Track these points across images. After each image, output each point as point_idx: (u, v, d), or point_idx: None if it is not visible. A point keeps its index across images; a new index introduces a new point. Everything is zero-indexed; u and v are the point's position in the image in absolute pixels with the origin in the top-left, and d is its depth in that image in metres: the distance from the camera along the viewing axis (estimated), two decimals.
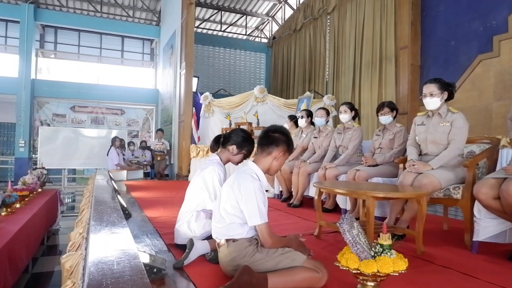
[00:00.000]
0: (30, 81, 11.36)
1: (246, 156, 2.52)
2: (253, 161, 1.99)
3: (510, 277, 2.00)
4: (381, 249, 1.60)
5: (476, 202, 2.45)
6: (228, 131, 2.64)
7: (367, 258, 1.58)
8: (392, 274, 1.55)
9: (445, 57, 6.43)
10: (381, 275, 1.56)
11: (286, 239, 1.97)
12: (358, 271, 1.58)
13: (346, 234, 1.64)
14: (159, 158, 9.66)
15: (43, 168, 5.85)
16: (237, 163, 2.56)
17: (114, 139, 9.30)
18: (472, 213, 2.51)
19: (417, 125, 3.10)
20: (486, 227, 2.43)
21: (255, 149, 2.17)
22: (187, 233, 2.38)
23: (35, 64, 11.89)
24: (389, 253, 1.58)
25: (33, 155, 11.33)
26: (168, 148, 10.04)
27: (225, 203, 1.90)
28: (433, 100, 2.90)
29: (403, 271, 1.57)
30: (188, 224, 2.39)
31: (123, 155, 9.46)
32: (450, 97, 2.94)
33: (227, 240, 1.87)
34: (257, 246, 1.83)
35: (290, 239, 1.99)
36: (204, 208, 2.41)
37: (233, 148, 2.47)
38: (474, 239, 2.48)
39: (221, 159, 2.51)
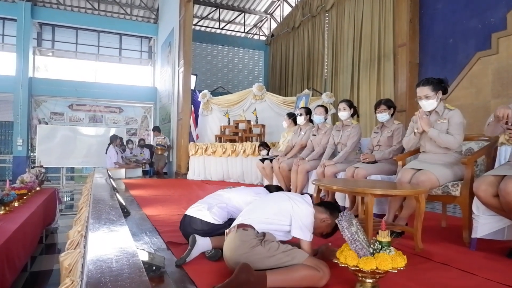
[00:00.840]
0: (27, 80, 11.32)
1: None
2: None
3: (508, 274, 2.00)
4: (380, 246, 1.61)
5: (475, 199, 2.45)
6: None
7: (366, 255, 1.58)
8: (390, 271, 1.55)
9: (444, 55, 6.43)
10: (379, 272, 1.56)
11: (319, 254, 2.06)
12: (357, 268, 1.58)
13: (345, 231, 1.65)
14: (159, 152, 9.54)
15: (41, 166, 5.83)
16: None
17: (114, 138, 9.28)
18: (471, 210, 2.52)
19: (416, 123, 3.09)
20: (485, 224, 2.43)
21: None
22: (203, 212, 2.41)
23: (32, 62, 11.86)
24: (387, 250, 1.59)
25: (31, 154, 11.31)
26: (169, 143, 9.99)
27: (271, 206, 2.07)
28: (429, 102, 2.89)
29: (401, 268, 1.57)
30: (211, 203, 2.47)
31: (122, 153, 9.45)
32: (444, 92, 2.93)
33: (238, 226, 1.92)
34: (262, 241, 1.83)
35: (322, 252, 2.07)
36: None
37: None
38: (473, 236, 2.48)
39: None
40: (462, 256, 2.36)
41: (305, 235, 1.96)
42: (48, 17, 12.20)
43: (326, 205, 2.17)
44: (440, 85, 2.90)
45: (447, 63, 6.34)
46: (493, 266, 2.16)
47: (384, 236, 1.63)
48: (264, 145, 6.18)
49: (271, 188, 2.78)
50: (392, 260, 1.56)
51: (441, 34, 6.50)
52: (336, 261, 1.68)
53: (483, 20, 5.79)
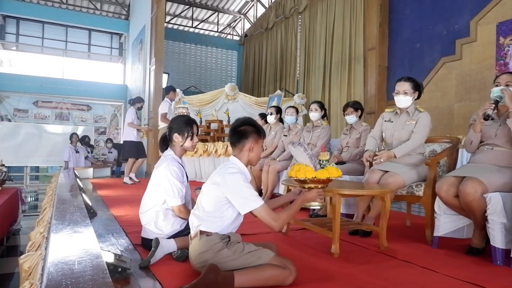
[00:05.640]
0: None
1: (192, 138, 2.48)
2: (234, 156, 2.02)
3: (466, 270, 2.09)
4: (324, 163, 2.17)
5: (437, 199, 2.54)
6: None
7: (319, 169, 2.10)
8: (334, 178, 2.15)
9: (411, 59, 6.65)
10: (331, 178, 2.13)
11: (292, 195, 2.21)
12: (314, 178, 2.07)
13: (307, 151, 2.10)
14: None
15: (3, 165, 5.56)
16: (192, 148, 2.53)
17: (70, 136, 9.24)
18: (433, 209, 2.61)
19: (385, 121, 3.16)
20: (446, 223, 2.53)
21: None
22: (154, 231, 2.33)
23: None
24: (328, 164, 2.18)
25: None
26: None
27: (205, 200, 1.92)
28: (406, 99, 2.96)
29: (339, 178, 2.25)
30: (155, 224, 2.33)
31: (88, 153, 9.26)
32: (418, 96, 3.02)
33: (201, 233, 1.86)
34: (227, 244, 1.83)
35: (295, 194, 2.21)
36: (167, 206, 2.36)
37: (176, 136, 2.43)
38: (435, 234, 2.57)
39: (175, 153, 2.47)
40: (424, 253, 2.45)
41: (251, 205, 1.83)
42: (12, 9, 11.70)
43: (234, 138, 2.00)
44: (419, 87, 2.99)
45: (414, 67, 6.55)
46: (452, 263, 2.25)
47: (324, 156, 2.21)
48: None
49: (163, 147, 2.56)
50: (336, 172, 2.15)
51: (408, 39, 6.71)
52: (292, 178, 2.15)
53: (448, 27, 6.03)
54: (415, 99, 3.01)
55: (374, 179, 2.88)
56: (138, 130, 6.66)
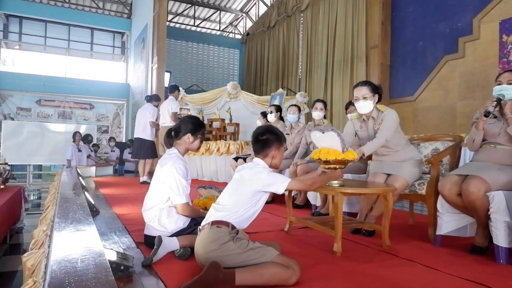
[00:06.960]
0: None
1: (202, 140, 2.57)
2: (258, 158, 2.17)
3: (469, 269, 2.08)
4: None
5: (440, 197, 2.53)
6: (176, 123, 2.67)
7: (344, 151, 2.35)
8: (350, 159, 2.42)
9: (413, 57, 6.63)
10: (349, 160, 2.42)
11: (314, 173, 2.48)
12: (342, 159, 2.36)
13: (340, 136, 2.35)
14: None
15: (6, 163, 5.59)
16: (197, 149, 2.62)
17: (73, 135, 9.18)
18: (436, 208, 2.60)
19: (357, 130, 3.10)
20: (449, 222, 2.52)
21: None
22: (158, 228, 2.34)
23: None
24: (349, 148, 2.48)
25: None
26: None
27: (230, 197, 2.03)
28: (366, 103, 2.88)
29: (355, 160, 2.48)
30: (158, 221, 2.35)
31: (91, 151, 9.28)
32: (379, 99, 2.95)
33: (212, 223, 1.90)
34: (234, 238, 1.84)
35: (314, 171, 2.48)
36: (171, 204, 2.37)
37: (189, 137, 2.48)
38: (437, 233, 2.56)
39: (179, 151, 2.49)
40: (426, 252, 2.44)
41: (286, 182, 2.02)
42: (15, 8, 11.73)
43: (257, 147, 2.14)
44: (377, 90, 2.92)
45: (416, 65, 6.53)
46: (455, 261, 2.24)
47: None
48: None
49: (169, 141, 2.58)
50: (353, 154, 2.43)
51: (411, 37, 6.69)
52: (320, 159, 2.41)
53: (451, 25, 6.01)
54: (376, 103, 2.93)
55: (381, 182, 2.85)
56: (157, 130, 6.48)
